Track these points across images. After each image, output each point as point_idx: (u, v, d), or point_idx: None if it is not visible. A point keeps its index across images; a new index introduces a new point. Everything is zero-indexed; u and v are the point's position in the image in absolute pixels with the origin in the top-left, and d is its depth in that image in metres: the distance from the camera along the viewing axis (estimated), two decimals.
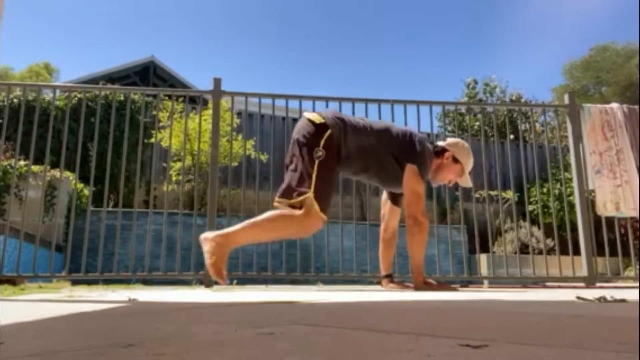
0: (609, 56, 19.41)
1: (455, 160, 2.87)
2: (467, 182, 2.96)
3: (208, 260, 2.37)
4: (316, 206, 2.42)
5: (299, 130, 2.60)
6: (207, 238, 2.42)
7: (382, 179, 2.79)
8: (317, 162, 2.47)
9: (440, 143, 2.95)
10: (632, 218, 3.97)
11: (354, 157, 2.62)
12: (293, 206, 2.46)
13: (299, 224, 2.47)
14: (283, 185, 2.54)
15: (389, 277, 2.99)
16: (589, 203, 3.92)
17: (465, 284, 4.36)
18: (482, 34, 38.14)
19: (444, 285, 2.89)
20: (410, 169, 2.65)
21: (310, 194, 2.42)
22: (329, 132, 2.53)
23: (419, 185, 2.68)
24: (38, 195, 5.15)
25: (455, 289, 2.82)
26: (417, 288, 2.70)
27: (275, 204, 2.55)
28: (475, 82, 16.80)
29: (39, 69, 17.02)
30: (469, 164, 2.92)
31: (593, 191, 4.12)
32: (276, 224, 2.49)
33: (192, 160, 7.18)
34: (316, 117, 2.58)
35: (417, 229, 2.66)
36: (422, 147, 2.70)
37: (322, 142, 2.50)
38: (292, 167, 2.55)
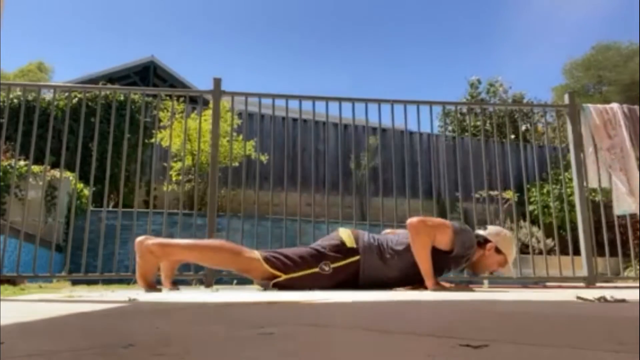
0: (611, 55, 19.37)
1: (498, 250, 2.78)
2: (509, 271, 2.90)
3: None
4: (269, 274, 2.49)
5: (329, 238, 2.67)
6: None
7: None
8: (316, 269, 2.52)
9: (481, 232, 2.85)
10: (632, 218, 3.97)
11: (409, 272, 2.64)
12: (268, 269, 2.52)
13: (243, 268, 2.59)
14: (282, 255, 2.58)
15: None
16: (589, 203, 3.92)
17: (465, 284, 4.35)
18: (483, 33, 38.12)
19: (458, 285, 2.85)
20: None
21: (281, 278, 2.49)
22: (356, 258, 2.57)
23: (444, 225, 2.64)
24: (38, 195, 5.16)
25: (470, 290, 2.78)
26: (432, 290, 2.69)
27: (263, 255, 2.57)
28: (479, 81, 16.76)
29: (32, 68, 16.89)
30: (512, 254, 2.84)
31: (594, 190, 4.12)
32: (222, 255, 2.57)
33: (192, 161, 7.18)
34: (349, 240, 2.62)
35: (414, 232, 2.60)
36: (464, 227, 2.71)
37: (339, 264, 2.55)
38: (297, 254, 2.60)
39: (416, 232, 2.60)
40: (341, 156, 4.10)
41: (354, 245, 2.61)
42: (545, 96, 20.45)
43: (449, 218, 4.50)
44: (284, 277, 2.49)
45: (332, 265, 2.54)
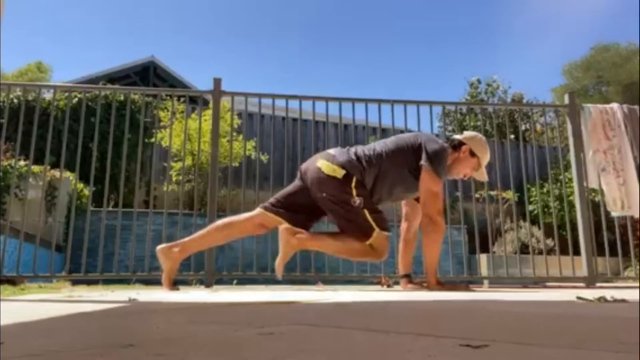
0: (610, 56, 19.38)
1: (472, 154, 2.85)
2: (482, 175, 2.94)
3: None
4: (381, 235, 2.54)
5: (322, 186, 2.60)
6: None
7: (407, 193, 2.82)
8: (360, 209, 2.54)
9: (457, 136, 2.92)
10: (632, 218, 3.97)
11: (377, 186, 2.66)
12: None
13: (372, 256, 2.64)
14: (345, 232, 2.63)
15: (408, 276, 2.97)
16: (589, 203, 3.92)
17: (466, 284, 4.36)
18: (482, 33, 38.10)
19: (458, 285, 2.87)
20: (425, 169, 2.64)
21: (375, 232, 2.53)
22: (354, 179, 2.57)
23: (435, 184, 2.66)
24: (38, 195, 5.15)
25: (470, 289, 2.80)
26: (431, 289, 2.69)
27: None
28: (479, 81, 16.75)
29: (31, 68, 16.84)
30: (485, 157, 2.90)
31: (594, 190, 4.11)
32: (349, 246, 2.61)
33: (192, 160, 7.18)
34: (337, 171, 2.59)
35: (431, 228, 2.63)
36: (434, 146, 2.70)
37: (354, 191, 2.55)
38: (340, 221, 2.63)
39: (433, 229, 2.64)
40: None
41: (343, 172, 2.58)
42: (545, 96, 20.44)
43: (449, 218, 4.51)
44: (375, 231, 2.56)
45: (355, 195, 2.55)
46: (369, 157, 2.66)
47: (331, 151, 2.73)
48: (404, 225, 3.02)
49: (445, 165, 2.73)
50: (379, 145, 2.76)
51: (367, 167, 2.62)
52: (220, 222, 2.86)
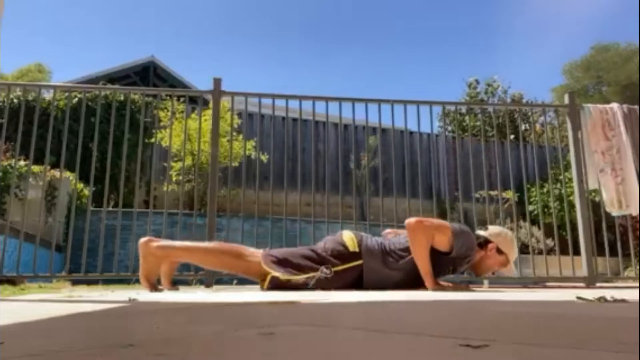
0: (610, 56, 19.38)
1: (499, 251, 2.77)
2: (510, 271, 2.90)
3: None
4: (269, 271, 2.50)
5: (333, 241, 2.65)
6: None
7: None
8: (317, 273, 2.51)
9: (482, 233, 2.83)
10: (632, 218, 3.97)
11: (392, 276, 2.65)
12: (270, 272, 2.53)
13: (244, 271, 2.64)
14: (284, 258, 2.58)
15: None
16: (589, 203, 3.92)
17: (466, 284, 4.35)
18: (482, 33, 38.09)
19: (458, 285, 2.86)
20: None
21: (272, 274, 2.49)
22: (358, 262, 2.57)
23: (442, 227, 2.62)
24: (38, 195, 5.15)
25: (470, 289, 2.79)
26: (431, 290, 2.68)
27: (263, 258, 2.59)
28: (477, 82, 16.75)
29: (31, 68, 16.82)
30: (513, 254, 2.83)
31: (594, 191, 4.11)
32: (223, 259, 2.62)
33: (192, 160, 7.18)
34: (351, 243, 2.61)
35: (412, 235, 2.59)
36: (461, 226, 2.71)
37: (340, 267, 2.54)
38: (303, 253, 2.61)
39: (414, 233, 2.59)
40: (341, 156, 4.10)
41: (357, 249, 2.60)
42: (545, 96, 20.43)
43: (449, 219, 4.51)
44: (283, 277, 2.49)
45: (334, 269, 2.53)
46: (395, 252, 2.66)
47: (364, 233, 2.78)
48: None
49: (463, 245, 2.66)
50: (403, 240, 2.75)
51: (394, 262, 2.62)
52: (231, 249, 2.73)
